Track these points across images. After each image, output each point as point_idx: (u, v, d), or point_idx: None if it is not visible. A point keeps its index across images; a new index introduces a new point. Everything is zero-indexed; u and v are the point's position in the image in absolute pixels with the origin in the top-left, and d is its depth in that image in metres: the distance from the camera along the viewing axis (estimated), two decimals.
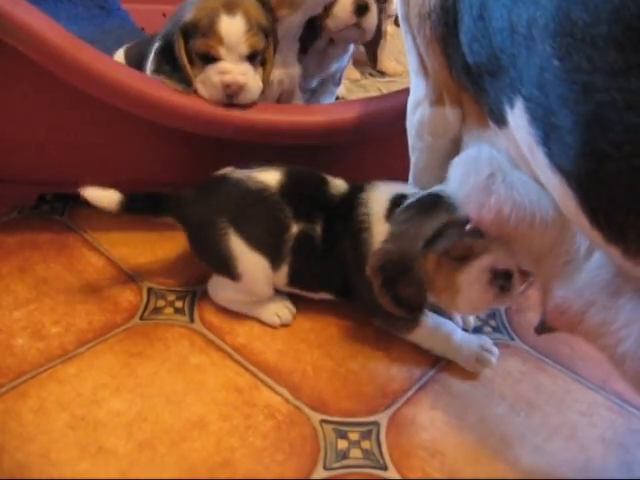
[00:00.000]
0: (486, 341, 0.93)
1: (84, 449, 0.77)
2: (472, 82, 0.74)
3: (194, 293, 1.01)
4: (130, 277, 1.03)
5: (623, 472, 0.81)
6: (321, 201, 0.91)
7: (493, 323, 1.02)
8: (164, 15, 1.58)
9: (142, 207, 0.92)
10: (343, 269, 0.91)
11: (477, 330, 1.00)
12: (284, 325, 0.96)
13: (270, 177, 0.91)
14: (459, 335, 0.92)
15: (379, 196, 0.90)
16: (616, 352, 0.66)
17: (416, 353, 0.95)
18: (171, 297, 1.00)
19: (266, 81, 1.06)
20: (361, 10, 1.21)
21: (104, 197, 0.88)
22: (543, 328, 0.80)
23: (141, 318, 0.96)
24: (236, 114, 1.01)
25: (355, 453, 0.81)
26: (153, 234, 1.12)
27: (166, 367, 0.89)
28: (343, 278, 0.92)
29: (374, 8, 1.24)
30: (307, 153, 1.00)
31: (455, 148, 0.86)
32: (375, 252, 0.83)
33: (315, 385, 0.89)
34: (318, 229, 0.89)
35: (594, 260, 0.67)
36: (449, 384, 0.91)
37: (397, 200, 0.87)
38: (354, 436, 0.83)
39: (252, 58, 1.01)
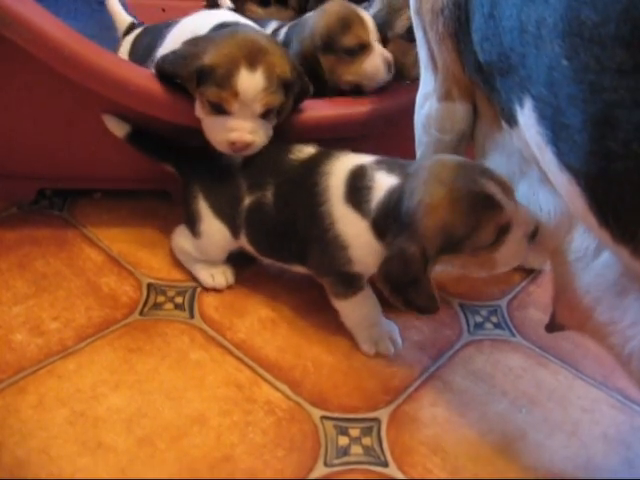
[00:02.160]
0: (394, 330, 0.94)
1: (84, 445, 0.77)
2: (484, 81, 0.74)
3: (194, 289, 1.01)
4: (130, 272, 1.03)
5: (625, 469, 0.81)
6: (275, 168, 0.92)
7: (494, 319, 1.01)
8: (163, 10, 1.57)
9: (148, 146, 1.02)
10: (296, 232, 0.90)
11: (478, 326, 0.99)
12: (216, 290, 1.00)
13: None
14: (379, 316, 0.93)
15: (339, 164, 0.89)
16: (623, 352, 0.66)
17: (417, 349, 0.94)
18: (171, 293, 1.00)
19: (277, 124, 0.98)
20: None
21: (115, 124, 1.00)
22: (554, 326, 0.79)
23: (141, 314, 0.96)
24: None
25: (356, 449, 0.80)
26: (153, 229, 1.11)
27: (166, 363, 0.88)
28: (299, 244, 0.91)
29: None
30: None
31: (461, 144, 0.86)
32: (381, 264, 0.81)
33: (316, 381, 0.88)
34: (269, 195, 0.91)
35: (602, 258, 0.66)
36: (450, 381, 0.90)
37: (355, 173, 0.86)
38: (355, 432, 0.82)
39: (266, 115, 0.93)
